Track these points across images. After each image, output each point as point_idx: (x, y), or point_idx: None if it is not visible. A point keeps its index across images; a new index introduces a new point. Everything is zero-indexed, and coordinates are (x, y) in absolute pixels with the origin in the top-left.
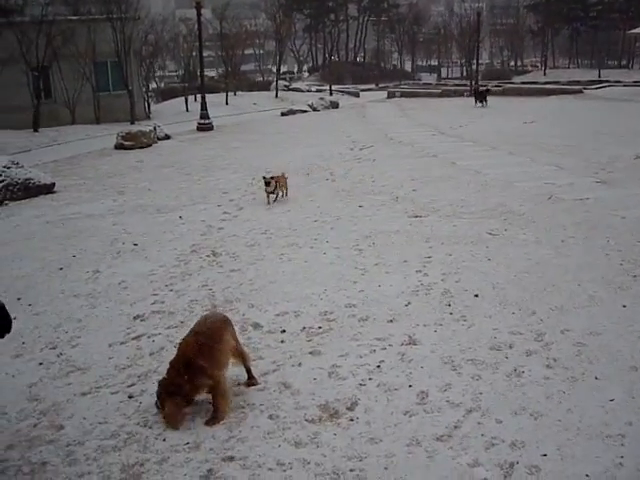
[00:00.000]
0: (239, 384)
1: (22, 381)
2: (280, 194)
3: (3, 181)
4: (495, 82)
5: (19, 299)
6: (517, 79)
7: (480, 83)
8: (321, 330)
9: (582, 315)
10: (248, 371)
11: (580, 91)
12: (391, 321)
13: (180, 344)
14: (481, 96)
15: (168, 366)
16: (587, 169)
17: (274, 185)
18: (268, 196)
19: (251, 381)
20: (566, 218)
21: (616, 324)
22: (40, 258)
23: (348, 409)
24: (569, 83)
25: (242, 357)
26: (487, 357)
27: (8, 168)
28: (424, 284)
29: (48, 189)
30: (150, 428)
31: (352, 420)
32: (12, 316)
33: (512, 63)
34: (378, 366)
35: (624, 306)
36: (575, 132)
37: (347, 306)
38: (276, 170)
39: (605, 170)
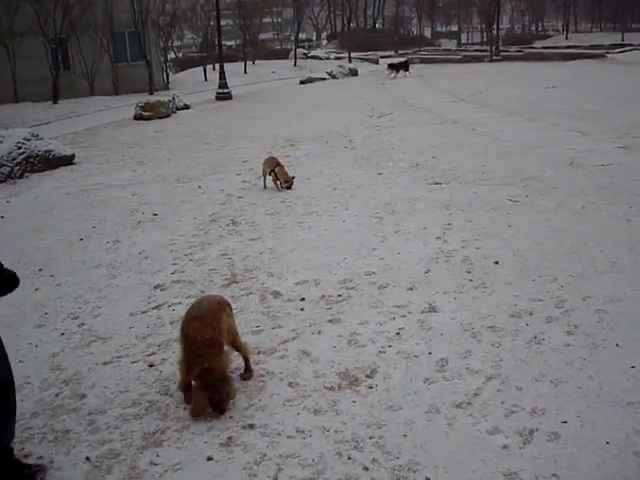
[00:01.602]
0: (258, 352)
1: (45, 351)
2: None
3: (23, 153)
4: (516, 47)
5: (40, 270)
6: (538, 44)
7: (400, 56)
8: (341, 298)
9: (603, 282)
10: (246, 361)
11: (603, 55)
12: (411, 288)
13: (188, 335)
14: (402, 67)
15: (188, 364)
16: (609, 134)
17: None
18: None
19: (246, 374)
20: (587, 184)
21: (638, 291)
22: (61, 229)
23: (367, 377)
24: (591, 47)
25: (235, 345)
26: (507, 324)
27: (28, 140)
28: (444, 251)
29: (68, 160)
30: (171, 397)
31: (371, 387)
32: (34, 287)
33: (533, 28)
34: (397, 333)
35: None
36: (597, 97)
37: (367, 274)
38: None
39: (628, 135)
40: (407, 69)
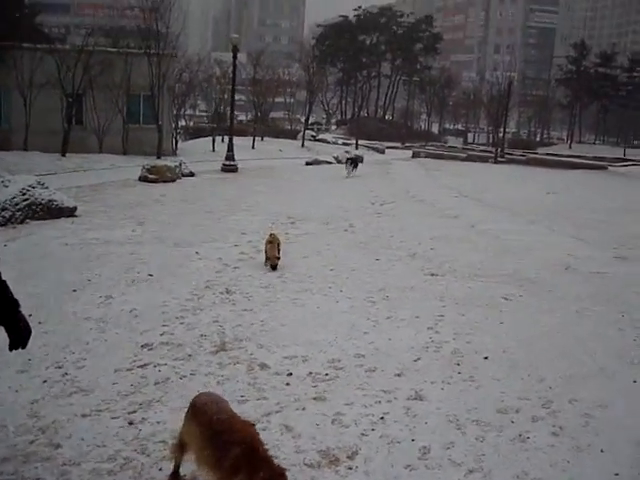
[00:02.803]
0: None
1: (24, 397)
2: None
3: (27, 200)
4: (520, 151)
5: (30, 316)
6: (542, 150)
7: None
8: (328, 377)
9: (591, 386)
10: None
11: (604, 167)
12: (399, 375)
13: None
14: (352, 164)
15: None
16: (606, 243)
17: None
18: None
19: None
20: (582, 289)
21: (625, 398)
22: (55, 279)
23: (348, 457)
24: (594, 159)
25: None
26: (493, 419)
27: (33, 188)
28: (435, 341)
29: (70, 212)
30: (147, 456)
31: (351, 469)
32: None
33: (538, 134)
34: (382, 418)
35: (635, 381)
36: (597, 207)
37: (356, 356)
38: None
39: (625, 246)
40: (355, 166)
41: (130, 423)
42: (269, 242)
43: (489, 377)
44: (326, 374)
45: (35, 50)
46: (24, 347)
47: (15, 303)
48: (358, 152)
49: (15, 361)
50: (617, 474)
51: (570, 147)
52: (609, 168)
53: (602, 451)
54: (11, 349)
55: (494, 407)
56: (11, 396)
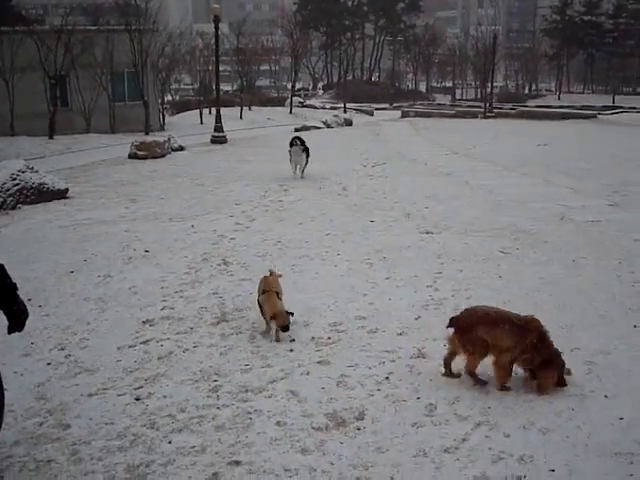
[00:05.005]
0: (246, 391)
1: (30, 380)
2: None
3: (17, 185)
4: (509, 105)
5: (29, 300)
6: (531, 103)
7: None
8: (330, 340)
9: (592, 334)
10: None
11: (594, 116)
12: (401, 334)
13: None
14: (303, 149)
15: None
16: (600, 192)
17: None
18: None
19: None
20: (578, 239)
21: (626, 344)
22: (51, 261)
23: (356, 418)
24: (583, 108)
25: None
26: None
27: (23, 172)
28: (434, 299)
29: (61, 194)
30: (157, 430)
31: (359, 429)
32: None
33: (526, 87)
34: (387, 377)
35: (635, 326)
36: (588, 156)
37: (357, 318)
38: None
39: (618, 193)
40: (307, 153)
41: (137, 399)
42: (266, 290)
43: None
44: (328, 338)
45: (14, 33)
46: (21, 330)
47: (13, 287)
48: (347, 115)
49: (18, 345)
50: (622, 418)
51: (559, 98)
52: (598, 116)
53: (606, 397)
54: (10, 332)
55: None
56: (17, 380)
